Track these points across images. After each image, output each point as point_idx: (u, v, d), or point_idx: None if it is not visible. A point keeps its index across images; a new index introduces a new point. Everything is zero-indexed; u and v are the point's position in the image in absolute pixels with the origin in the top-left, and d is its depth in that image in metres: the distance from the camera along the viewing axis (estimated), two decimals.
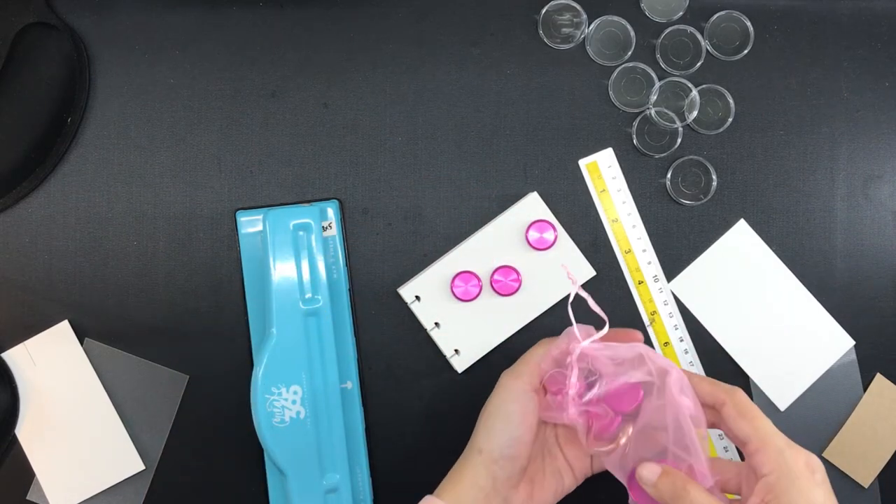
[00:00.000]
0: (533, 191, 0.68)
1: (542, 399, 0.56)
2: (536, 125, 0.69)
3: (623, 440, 0.53)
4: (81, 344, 0.67)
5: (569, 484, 0.57)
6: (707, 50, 0.69)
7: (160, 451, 0.67)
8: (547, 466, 0.56)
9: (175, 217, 0.68)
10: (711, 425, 0.52)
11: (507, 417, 0.53)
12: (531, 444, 0.54)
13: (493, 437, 0.53)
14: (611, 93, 0.69)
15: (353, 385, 0.67)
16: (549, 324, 0.68)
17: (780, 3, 0.70)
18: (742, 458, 0.56)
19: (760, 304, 0.68)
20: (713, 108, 0.69)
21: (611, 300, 0.68)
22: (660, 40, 0.69)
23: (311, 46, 0.69)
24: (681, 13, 0.69)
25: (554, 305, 0.68)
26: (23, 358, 0.67)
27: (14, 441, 0.67)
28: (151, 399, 0.67)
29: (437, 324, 0.68)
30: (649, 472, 0.51)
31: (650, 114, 0.69)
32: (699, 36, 0.69)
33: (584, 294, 0.56)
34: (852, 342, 0.68)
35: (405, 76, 0.69)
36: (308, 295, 0.64)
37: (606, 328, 0.55)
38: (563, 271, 0.67)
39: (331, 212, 0.68)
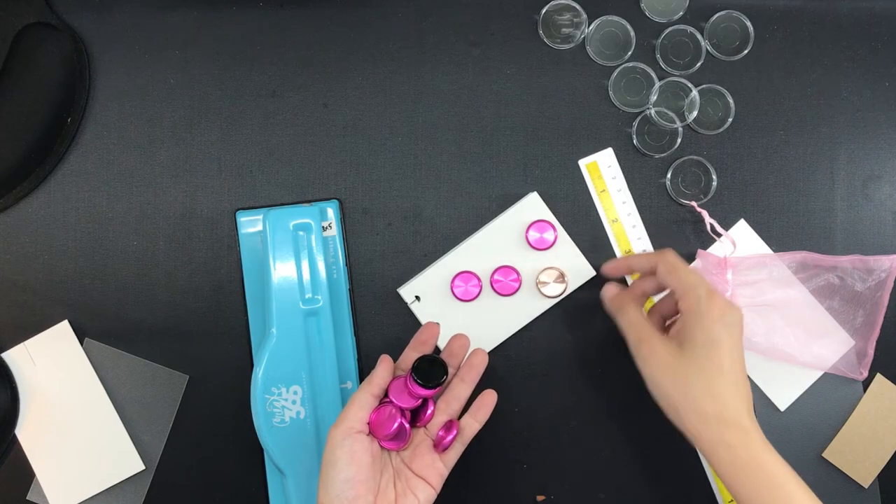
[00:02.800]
0: (533, 191, 0.68)
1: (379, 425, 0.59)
2: (536, 125, 0.69)
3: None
4: (81, 344, 0.67)
5: (429, 495, 0.59)
6: (707, 50, 0.69)
7: (160, 451, 0.67)
8: (401, 489, 0.58)
9: (175, 217, 0.68)
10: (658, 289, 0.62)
11: (334, 465, 0.55)
12: (371, 480, 0.56)
13: (328, 486, 0.55)
14: (611, 93, 0.69)
15: (353, 385, 0.67)
16: (550, 323, 0.68)
17: (780, 3, 0.70)
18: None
19: (761, 304, 0.68)
20: (713, 108, 0.69)
21: None
22: (660, 40, 0.69)
23: (311, 46, 0.69)
24: (681, 13, 0.69)
25: (554, 305, 0.68)
26: (23, 358, 0.67)
27: (14, 441, 0.67)
28: (151, 399, 0.67)
29: (437, 324, 0.68)
30: (607, 291, 0.64)
31: (650, 114, 0.69)
32: (699, 36, 0.69)
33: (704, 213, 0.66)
34: (852, 342, 0.68)
35: (405, 76, 0.69)
36: (308, 295, 0.64)
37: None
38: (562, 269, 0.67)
39: (331, 212, 0.68)
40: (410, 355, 0.61)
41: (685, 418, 0.55)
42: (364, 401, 0.58)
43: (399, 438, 0.59)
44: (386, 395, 0.60)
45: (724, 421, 0.54)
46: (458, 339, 0.63)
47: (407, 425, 0.59)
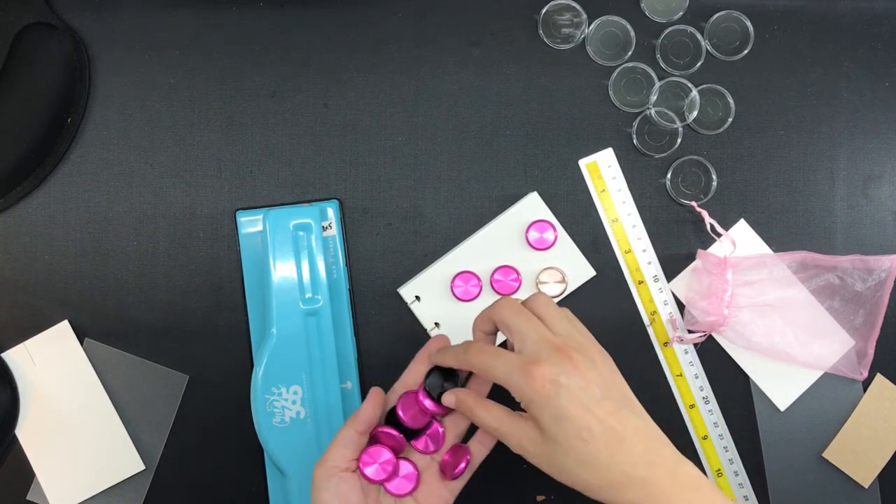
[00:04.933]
0: (533, 191, 0.68)
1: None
2: (536, 125, 0.69)
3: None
4: (81, 344, 0.67)
5: None
6: (707, 50, 0.69)
7: (160, 451, 0.67)
8: None
9: (175, 217, 0.68)
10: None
11: None
12: None
13: None
14: (611, 93, 0.69)
15: (353, 385, 0.67)
16: None
17: (780, 3, 0.70)
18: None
19: (761, 304, 0.68)
20: (713, 108, 0.69)
21: (611, 300, 0.68)
22: (660, 40, 0.69)
23: (311, 46, 0.69)
24: (681, 13, 0.69)
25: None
26: (23, 358, 0.67)
27: (14, 441, 0.67)
28: (151, 399, 0.67)
29: (437, 324, 0.68)
30: (447, 398, 0.55)
31: (650, 114, 0.69)
32: (699, 36, 0.69)
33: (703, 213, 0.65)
34: (852, 342, 0.68)
35: (405, 76, 0.69)
36: (308, 295, 0.64)
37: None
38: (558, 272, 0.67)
39: (331, 212, 0.68)
40: (418, 369, 0.58)
41: (591, 494, 0.50)
42: (348, 438, 0.54)
43: (405, 479, 0.55)
44: (391, 418, 0.56)
45: (616, 486, 0.48)
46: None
47: (410, 465, 0.56)
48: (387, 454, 0.55)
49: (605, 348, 0.69)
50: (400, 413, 0.56)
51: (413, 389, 0.57)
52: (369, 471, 0.55)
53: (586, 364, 0.50)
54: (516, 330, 0.52)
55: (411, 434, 0.57)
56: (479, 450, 0.57)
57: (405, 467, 0.56)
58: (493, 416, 0.53)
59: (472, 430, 0.58)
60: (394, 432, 0.56)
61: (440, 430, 0.57)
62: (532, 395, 0.49)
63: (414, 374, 0.58)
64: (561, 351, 0.50)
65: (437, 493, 0.56)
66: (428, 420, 0.57)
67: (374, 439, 0.56)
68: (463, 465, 0.55)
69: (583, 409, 0.49)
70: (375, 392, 0.56)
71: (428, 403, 0.56)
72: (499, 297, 0.67)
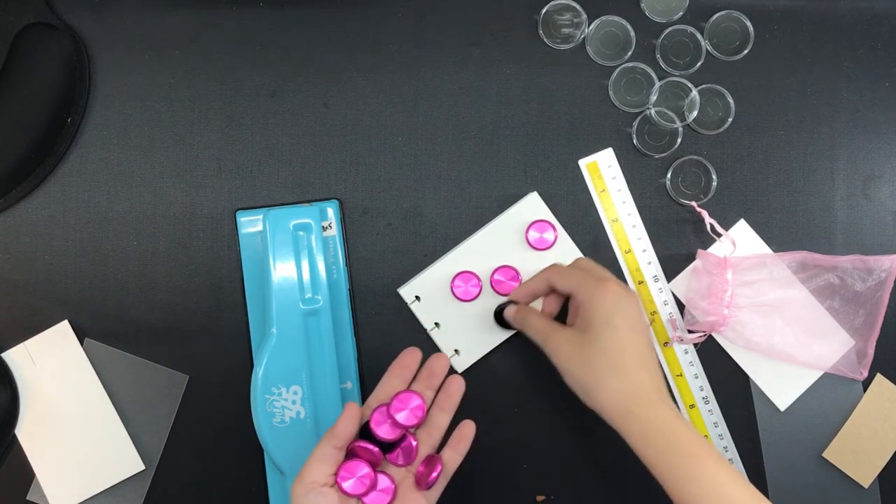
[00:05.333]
0: (533, 191, 0.68)
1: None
2: (536, 125, 0.69)
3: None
4: (81, 344, 0.67)
5: None
6: (707, 50, 0.69)
7: (160, 451, 0.67)
8: None
9: (175, 217, 0.68)
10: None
11: None
12: None
13: None
14: (611, 93, 0.69)
15: (353, 385, 0.67)
16: None
17: (780, 3, 0.70)
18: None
19: (761, 304, 0.68)
20: (713, 108, 0.69)
21: None
22: (660, 40, 0.69)
23: (311, 46, 0.69)
24: (681, 13, 0.69)
25: None
26: (23, 358, 0.67)
27: (14, 441, 0.67)
28: (151, 399, 0.67)
29: (437, 324, 0.68)
30: (508, 312, 0.66)
31: (650, 114, 0.69)
32: (699, 36, 0.69)
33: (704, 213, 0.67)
34: (852, 342, 0.68)
35: (405, 76, 0.69)
36: (308, 295, 0.64)
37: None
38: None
39: (331, 212, 0.68)
40: (391, 383, 0.59)
41: (594, 397, 0.57)
42: (326, 453, 0.55)
43: (383, 492, 0.56)
44: (364, 434, 0.57)
45: (629, 394, 0.56)
46: (439, 359, 0.60)
47: (387, 479, 0.56)
48: (364, 468, 0.56)
49: None
50: (373, 427, 0.57)
51: (386, 403, 0.58)
52: (347, 485, 0.55)
53: (638, 304, 0.59)
54: (572, 270, 0.62)
55: (386, 448, 0.57)
56: (452, 458, 0.59)
57: (382, 481, 0.57)
58: (543, 321, 0.62)
59: (445, 440, 0.60)
60: (370, 446, 0.56)
61: (413, 443, 0.58)
62: (596, 297, 0.58)
63: (386, 389, 0.59)
64: (624, 284, 0.59)
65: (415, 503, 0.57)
66: (401, 433, 0.57)
67: (351, 454, 0.57)
68: (435, 473, 0.57)
69: (630, 327, 0.57)
70: (351, 407, 0.56)
71: (400, 417, 0.57)
72: (501, 297, 0.67)
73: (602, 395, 0.57)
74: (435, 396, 0.60)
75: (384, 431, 0.57)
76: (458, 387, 0.60)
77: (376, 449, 0.56)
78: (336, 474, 0.55)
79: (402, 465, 0.58)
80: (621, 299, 0.57)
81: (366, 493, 0.56)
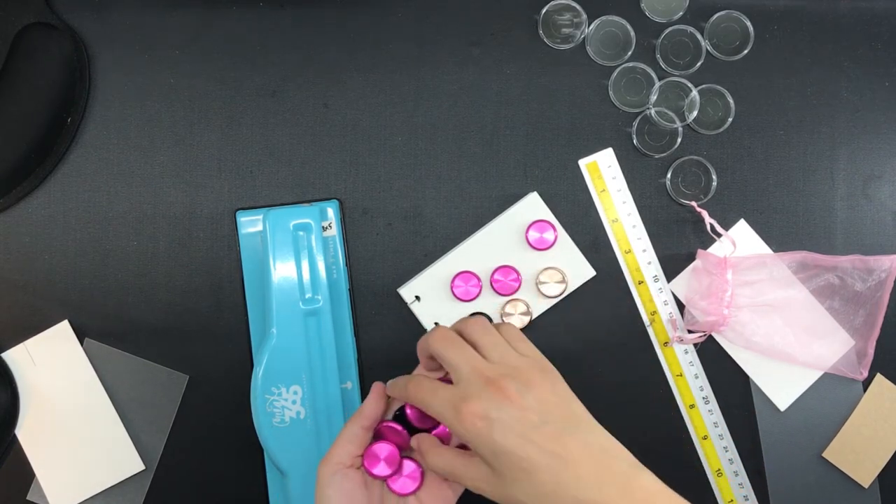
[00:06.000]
0: (533, 191, 0.68)
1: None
2: (536, 125, 0.69)
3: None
4: (81, 344, 0.67)
5: None
6: (707, 50, 0.69)
7: (160, 451, 0.67)
8: None
9: (175, 217, 0.68)
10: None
11: (327, 503, 0.52)
12: None
13: None
14: (611, 93, 0.69)
15: (353, 385, 0.67)
16: (550, 322, 0.68)
17: (780, 3, 0.70)
18: None
19: (761, 304, 0.68)
20: (713, 108, 0.69)
21: (611, 300, 0.68)
22: (660, 40, 0.69)
23: (311, 46, 0.69)
24: (681, 13, 0.69)
25: (554, 305, 0.68)
26: (23, 358, 0.67)
27: (14, 441, 0.67)
28: (151, 399, 0.67)
29: (437, 324, 0.68)
30: (413, 441, 0.55)
31: (650, 114, 0.69)
32: (699, 36, 0.69)
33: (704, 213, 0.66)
34: (852, 342, 0.68)
35: (405, 76, 0.69)
36: (308, 295, 0.64)
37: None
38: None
39: (331, 212, 0.68)
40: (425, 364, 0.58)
41: None
42: (353, 434, 0.54)
43: (409, 477, 0.55)
44: (398, 416, 0.57)
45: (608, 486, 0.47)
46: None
47: (413, 464, 0.55)
48: (391, 450, 0.55)
49: (604, 349, 0.69)
50: (409, 411, 0.57)
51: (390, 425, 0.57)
52: (373, 467, 0.55)
53: (520, 391, 0.48)
54: (449, 363, 0.51)
55: (416, 432, 0.57)
56: None
57: (409, 466, 0.56)
58: (445, 460, 0.52)
59: None
60: (398, 427, 0.56)
61: (446, 430, 0.57)
62: (465, 433, 0.48)
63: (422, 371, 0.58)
64: (491, 383, 0.49)
65: (439, 493, 0.55)
66: (434, 422, 0.57)
67: (377, 435, 0.57)
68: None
69: (520, 439, 0.47)
70: (378, 387, 0.56)
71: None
72: (500, 297, 0.67)
73: None
74: None
75: (419, 417, 0.56)
76: None
77: (404, 430, 0.56)
78: (363, 456, 0.55)
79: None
80: (489, 419, 0.47)
81: (392, 476, 0.55)
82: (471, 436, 0.48)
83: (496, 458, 0.47)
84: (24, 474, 0.67)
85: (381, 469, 0.55)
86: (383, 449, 0.55)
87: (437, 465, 0.52)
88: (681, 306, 0.69)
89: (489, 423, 0.48)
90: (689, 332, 0.68)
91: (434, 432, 0.57)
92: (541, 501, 0.46)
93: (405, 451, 0.57)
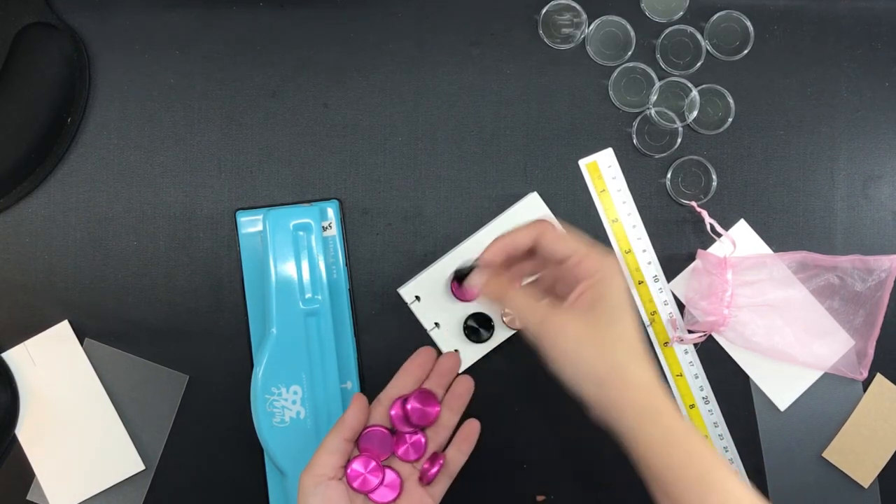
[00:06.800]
0: (533, 191, 0.68)
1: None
2: (536, 125, 0.69)
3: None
4: (81, 344, 0.67)
5: None
6: (707, 50, 0.69)
7: (160, 451, 0.67)
8: None
9: (175, 217, 0.68)
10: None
11: None
12: None
13: None
14: (611, 93, 0.69)
15: (353, 385, 0.67)
16: None
17: (780, 3, 0.70)
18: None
19: (761, 304, 0.68)
20: (713, 108, 0.69)
21: None
22: (660, 40, 0.69)
23: (311, 46, 0.69)
24: (681, 13, 0.69)
25: None
26: (23, 358, 0.67)
27: (14, 441, 0.67)
28: (151, 399, 0.67)
29: (437, 324, 0.68)
30: (476, 280, 0.57)
31: (650, 114, 0.69)
32: (699, 36, 0.69)
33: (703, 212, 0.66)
34: (852, 342, 0.68)
35: (405, 76, 0.69)
36: (308, 295, 0.64)
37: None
38: None
39: (331, 212, 0.68)
40: (405, 380, 0.59)
41: (610, 386, 0.50)
42: (335, 445, 0.55)
43: (388, 487, 0.57)
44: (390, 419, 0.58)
45: (644, 383, 0.50)
46: (451, 359, 0.60)
47: (394, 474, 0.57)
48: (373, 464, 0.56)
49: None
50: (409, 406, 0.58)
51: (404, 395, 0.59)
52: (356, 480, 0.56)
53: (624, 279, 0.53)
54: (571, 237, 0.54)
55: (399, 434, 0.59)
56: (456, 457, 0.59)
57: (389, 476, 0.57)
58: (531, 298, 0.54)
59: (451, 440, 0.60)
60: (382, 429, 0.57)
61: (423, 439, 0.58)
62: (608, 271, 0.52)
63: (399, 386, 0.59)
64: (614, 258, 0.53)
65: (419, 500, 0.57)
66: (414, 429, 0.58)
67: (362, 439, 0.58)
68: (436, 468, 0.57)
69: (619, 299, 0.51)
70: (359, 398, 0.56)
71: (416, 414, 0.57)
72: None
73: (619, 384, 0.50)
74: (444, 395, 0.60)
75: (399, 423, 0.58)
76: (467, 387, 0.60)
77: (386, 433, 0.57)
78: (346, 468, 0.56)
79: (411, 461, 0.58)
80: (622, 279, 0.52)
81: (373, 489, 0.56)
82: (618, 274, 0.52)
83: (619, 302, 0.51)
84: (24, 474, 0.67)
85: (363, 482, 0.56)
86: (365, 462, 0.57)
87: (520, 303, 0.54)
88: (681, 306, 0.69)
89: (611, 273, 0.52)
90: (689, 332, 0.68)
91: (409, 441, 0.59)
92: (593, 349, 0.50)
93: (384, 460, 0.58)
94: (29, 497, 0.67)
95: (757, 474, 0.68)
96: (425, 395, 0.59)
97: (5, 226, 0.68)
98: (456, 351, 0.65)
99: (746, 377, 0.69)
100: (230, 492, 0.68)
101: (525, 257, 0.56)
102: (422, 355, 0.60)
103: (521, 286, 0.56)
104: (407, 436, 0.58)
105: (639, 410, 0.49)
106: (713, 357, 0.69)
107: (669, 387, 0.68)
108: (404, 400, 0.59)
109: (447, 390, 0.61)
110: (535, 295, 0.55)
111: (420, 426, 0.59)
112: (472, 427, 0.60)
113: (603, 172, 0.69)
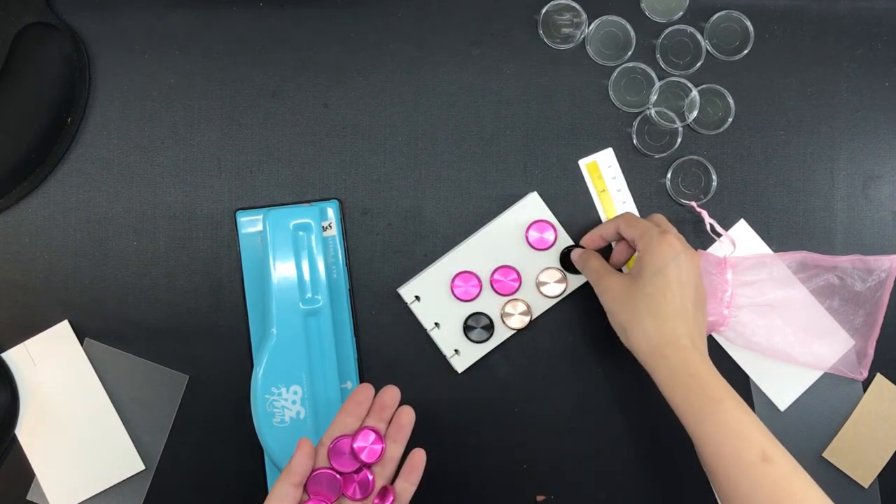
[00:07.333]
0: (533, 191, 0.68)
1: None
2: (536, 125, 0.69)
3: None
4: (81, 344, 0.67)
5: None
6: (707, 50, 0.69)
7: (160, 451, 0.67)
8: None
9: (175, 217, 0.68)
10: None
11: None
12: None
13: None
14: (611, 93, 0.69)
15: (353, 385, 0.67)
16: (550, 322, 0.68)
17: (780, 3, 0.70)
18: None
19: (761, 304, 0.68)
20: (713, 108, 0.69)
21: None
22: (660, 40, 0.69)
23: (311, 46, 0.69)
24: (681, 13, 0.69)
25: (554, 305, 0.68)
26: (23, 358, 0.67)
27: (14, 441, 0.67)
28: (151, 399, 0.67)
29: (437, 324, 0.68)
30: (574, 254, 0.67)
31: (650, 114, 0.69)
32: (699, 36, 0.69)
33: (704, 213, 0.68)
34: (852, 342, 0.68)
35: (405, 76, 0.69)
36: (308, 295, 0.64)
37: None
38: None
39: (331, 212, 0.68)
40: (345, 420, 0.59)
41: (631, 336, 0.60)
42: (284, 492, 0.55)
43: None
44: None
45: (664, 338, 0.59)
46: (390, 392, 0.60)
47: None
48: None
49: (605, 348, 0.69)
50: (331, 459, 0.57)
51: (347, 435, 0.58)
52: None
53: (697, 263, 0.61)
54: (641, 220, 0.63)
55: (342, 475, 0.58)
56: (405, 488, 0.59)
57: None
58: (601, 264, 0.65)
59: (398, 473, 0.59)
60: (329, 471, 0.57)
61: (370, 476, 0.58)
62: (655, 246, 0.60)
63: (340, 426, 0.58)
64: (684, 241, 0.62)
65: None
66: (358, 466, 0.58)
67: (310, 482, 0.57)
68: (388, 502, 0.57)
69: (681, 280, 0.60)
70: (304, 443, 0.56)
71: (361, 453, 0.57)
72: (502, 297, 0.67)
73: (638, 335, 0.60)
74: (387, 428, 0.60)
75: (341, 464, 0.57)
76: (408, 418, 0.60)
77: (334, 474, 0.57)
78: None
79: (360, 499, 0.58)
80: (679, 254, 0.60)
81: None
82: (659, 250, 0.60)
83: (654, 275, 0.60)
84: (24, 474, 0.67)
85: None
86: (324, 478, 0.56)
87: (592, 266, 0.65)
88: None
89: (676, 253, 0.60)
90: None
91: (357, 480, 0.58)
92: (653, 320, 0.59)
93: (334, 502, 0.57)
94: (29, 497, 0.67)
95: None
96: (365, 434, 0.58)
97: (5, 226, 0.68)
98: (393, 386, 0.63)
99: (746, 377, 0.69)
100: (230, 492, 0.68)
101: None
102: (360, 393, 0.60)
103: (597, 256, 0.66)
104: (354, 475, 0.58)
105: (652, 353, 0.59)
106: (713, 357, 0.68)
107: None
108: (349, 439, 0.58)
109: (390, 423, 0.60)
110: (604, 263, 0.65)
111: (367, 464, 0.58)
112: (419, 457, 0.59)
113: (603, 172, 0.69)
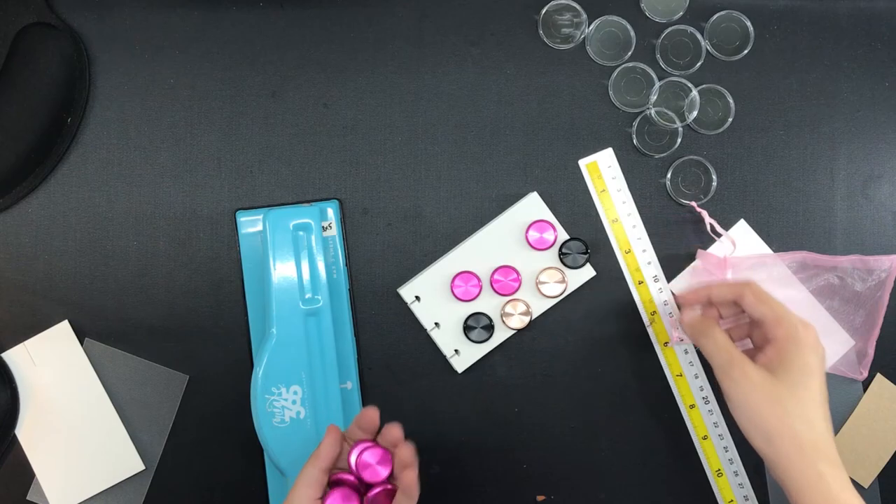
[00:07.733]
0: (533, 191, 0.68)
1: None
2: (536, 125, 0.69)
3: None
4: (81, 344, 0.67)
5: None
6: (707, 50, 0.69)
7: (160, 451, 0.67)
8: None
9: (175, 217, 0.68)
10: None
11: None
12: None
13: None
14: (611, 93, 0.69)
15: (353, 385, 0.67)
16: (550, 322, 0.68)
17: (780, 3, 0.70)
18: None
19: None
20: (713, 108, 0.69)
21: (611, 300, 0.68)
22: (660, 40, 0.69)
23: (311, 46, 0.69)
24: (681, 13, 0.69)
25: (554, 305, 0.68)
26: (23, 358, 0.67)
27: (14, 441, 0.67)
28: (151, 399, 0.67)
29: (437, 324, 0.68)
30: (685, 317, 0.63)
31: (650, 114, 0.69)
32: (699, 36, 0.69)
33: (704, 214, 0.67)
34: (852, 342, 0.68)
35: (405, 76, 0.69)
36: (308, 295, 0.64)
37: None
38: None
39: (331, 212, 0.68)
40: (355, 433, 0.58)
41: (778, 445, 0.55)
42: (312, 477, 0.55)
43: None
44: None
45: (819, 451, 0.54)
46: (392, 430, 0.58)
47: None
48: (352, 495, 0.56)
49: (605, 349, 0.69)
50: (359, 468, 0.56)
51: (370, 445, 0.57)
52: None
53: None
54: (775, 300, 0.58)
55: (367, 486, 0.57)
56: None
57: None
58: (729, 343, 0.59)
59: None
60: (351, 478, 0.56)
61: (389, 487, 0.57)
62: (802, 339, 0.56)
63: (352, 435, 0.57)
64: (812, 328, 0.58)
65: None
66: (381, 481, 0.57)
67: (334, 483, 0.57)
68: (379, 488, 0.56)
69: (823, 378, 0.56)
70: (333, 430, 0.56)
71: (381, 468, 0.56)
72: (501, 297, 0.67)
73: (787, 445, 0.54)
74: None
75: (368, 474, 0.57)
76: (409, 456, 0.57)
77: (355, 481, 0.56)
78: (323, 499, 0.55)
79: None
80: (819, 349, 0.57)
81: None
82: (807, 344, 0.56)
83: (801, 372, 0.55)
84: (24, 474, 0.67)
85: None
86: (344, 494, 0.56)
87: (720, 343, 0.59)
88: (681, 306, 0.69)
89: (816, 346, 0.57)
90: None
91: (375, 491, 0.57)
92: (798, 422, 0.54)
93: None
94: (29, 497, 0.67)
95: (757, 475, 0.68)
96: (384, 456, 0.57)
97: (5, 226, 0.68)
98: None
99: None
100: (230, 492, 0.68)
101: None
102: (365, 417, 0.58)
103: (720, 328, 0.60)
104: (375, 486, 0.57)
105: (805, 471, 0.54)
106: None
107: (669, 390, 0.68)
108: (371, 451, 0.57)
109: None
110: (728, 338, 0.60)
111: (384, 479, 0.57)
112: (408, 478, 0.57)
113: (603, 172, 0.69)
